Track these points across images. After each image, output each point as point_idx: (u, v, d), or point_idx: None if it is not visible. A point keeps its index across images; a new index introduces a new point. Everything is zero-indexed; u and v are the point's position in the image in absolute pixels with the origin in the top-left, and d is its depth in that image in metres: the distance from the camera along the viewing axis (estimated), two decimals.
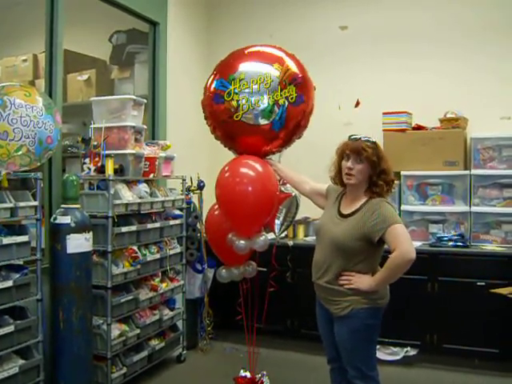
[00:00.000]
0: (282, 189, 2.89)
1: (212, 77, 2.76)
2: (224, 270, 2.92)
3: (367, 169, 2.56)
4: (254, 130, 2.64)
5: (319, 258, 2.67)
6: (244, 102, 2.59)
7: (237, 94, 2.60)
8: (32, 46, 4.56)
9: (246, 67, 2.66)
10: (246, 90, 2.60)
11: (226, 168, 2.68)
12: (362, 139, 2.58)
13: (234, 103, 2.60)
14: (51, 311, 3.17)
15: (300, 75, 2.67)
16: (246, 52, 2.77)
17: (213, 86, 2.69)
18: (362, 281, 2.52)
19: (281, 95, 2.60)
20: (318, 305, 2.78)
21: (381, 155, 2.58)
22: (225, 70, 2.69)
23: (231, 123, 2.64)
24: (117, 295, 3.53)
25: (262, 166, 2.66)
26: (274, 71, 2.62)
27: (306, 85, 2.72)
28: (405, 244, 2.43)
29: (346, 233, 2.54)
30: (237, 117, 2.61)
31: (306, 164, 4.54)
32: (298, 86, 2.64)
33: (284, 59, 2.68)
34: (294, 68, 2.66)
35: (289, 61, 2.68)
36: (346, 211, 2.63)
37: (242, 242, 2.64)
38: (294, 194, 2.93)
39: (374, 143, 2.60)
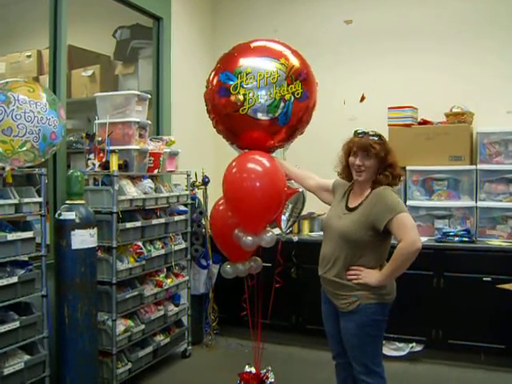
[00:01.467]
0: (289, 184, 2.88)
1: (215, 70, 2.74)
2: (229, 266, 2.91)
3: (375, 164, 2.56)
4: (258, 124, 2.62)
5: (326, 251, 2.67)
6: (251, 95, 2.57)
7: (243, 87, 2.58)
8: (36, 42, 4.56)
9: (251, 61, 2.64)
10: (253, 84, 2.58)
11: (234, 163, 2.66)
12: (370, 135, 2.58)
13: (241, 97, 2.58)
14: (56, 307, 3.17)
15: (305, 71, 2.66)
16: (252, 46, 2.74)
17: (217, 79, 2.67)
18: (371, 276, 2.51)
19: (287, 90, 2.58)
20: (323, 300, 2.77)
21: (388, 149, 2.58)
22: (230, 63, 2.67)
23: (236, 117, 2.62)
24: (122, 291, 3.54)
25: (269, 162, 2.64)
26: (280, 66, 2.61)
27: (310, 80, 2.71)
28: (411, 234, 2.43)
29: (352, 224, 2.54)
30: (243, 110, 2.59)
31: (310, 159, 4.52)
32: (304, 81, 2.63)
33: (288, 55, 2.66)
34: (298, 64, 2.65)
35: (293, 57, 2.67)
36: (352, 205, 2.63)
37: (250, 238, 2.63)
38: (301, 189, 2.92)
39: (381, 138, 2.60)
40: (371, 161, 2.55)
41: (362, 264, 2.54)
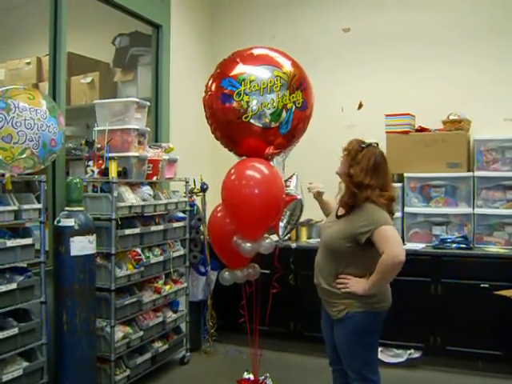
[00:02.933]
0: (287, 191, 2.89)
1: (215, 75, 2.74)
2: (227, 273, 2.92)
3: (346, 164, 2.62)
4: (259, 131, 2.63)
5: (317, 259, 2.72)
6: (254, 103, 2.59)
7: (247, 95, 2.60)
8: (36, 49, 4.57)
9: (254, 69, 2.65)
10: (256, 92, 2.59)
11: (233, 170, 2.67)
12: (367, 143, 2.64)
13: (244, 104, 2.59)
14: (55, 313, 3.18)
15: (305, 80, 2.69)
16: (255, 54, 2.75)
17: (219, 84, 2.67)
18: (358, 285, 2.52)
19: (289, 99, 2.61)
20: (322, 306, 2.79)
21: (359, 160, 2.57)
22: (231, 70, 2.67)
23: (237, 124, 2.63)
24: (120, 297, 3.54)
25: (268, 169, 2.65)
26: (283, 75, 2.63)
27: (309, 90, 2.74)
28: (392, 247, 2.42)
29: (334, 234, 2.58)
30: (245, 118, 2.60)
31: (309, 166, 4.54)
32: (304, 91, 2.66)
33: (289, 65, 2.69)
34: (298, 73, 2.68)
35: (293, 67, 2.69)
36: (340, 213, 2.67)
37: (249, 244, 2.64)
38: (299, 197, 2.93)
39: (365, 146, 2.61)
40: (344, 158, 2.64)
41: (350, 273, 2.56)
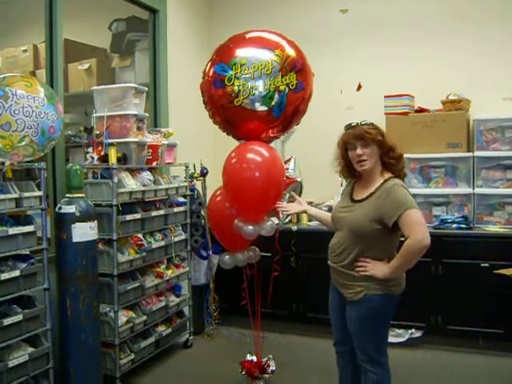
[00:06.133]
0: (287, 174, 2.90)
1: (212, 61, 2.74)
2: (227, 256, 2.94)
3: (376, 150, 2.54)
4: (253, 115, 2.63)
5: (336, 242, 2.66)
6: (245, 87, 2.58)
7: (238, 79, 2.58)
8: (32, 36, 4.55)
9: (246, 52, 2.64)
10: (247, 76, 2.58)
11: (233, 154, 2.67)
12: (361, 124, 2.55)
13: (235, 88, 2.58)
14: (58, 300, 3.19)
15: (300, 62, 2.66)
16: (248, 37, 2.74)
17: (213, 70, 2.67)
18: (378, 268, 2.50)
19: (282, 82, 2.59)
20: (331, 287, 2.78)
21: (383, 132, 2.56)
22: (225, 55, 2.67)
23: (232, 108, 2.63)
24: (123, 282, 3.56)
25: (268, 152, 2.65)
26: (275, 57, 2.60)
27: (306, 71, 2.71)
28: (419, 231, 2.40)
29: (361, 216, 2.51)
30: (237, 102, 2.60)
31: (308, 148, 4.54)
32: (299, 72, 2.64)
33: (284, 46, 2.66)
34: (293, 55, 2.65)
35: (289, 48, 2.67)
36: (359, 197, 2.61)
37: (250, 227, 2.65)
38: (298, 179, 2.94)
39: (373, 124, 2.56)
40: (371, 147, 2.52)
41: (370, 256, 2.53)
